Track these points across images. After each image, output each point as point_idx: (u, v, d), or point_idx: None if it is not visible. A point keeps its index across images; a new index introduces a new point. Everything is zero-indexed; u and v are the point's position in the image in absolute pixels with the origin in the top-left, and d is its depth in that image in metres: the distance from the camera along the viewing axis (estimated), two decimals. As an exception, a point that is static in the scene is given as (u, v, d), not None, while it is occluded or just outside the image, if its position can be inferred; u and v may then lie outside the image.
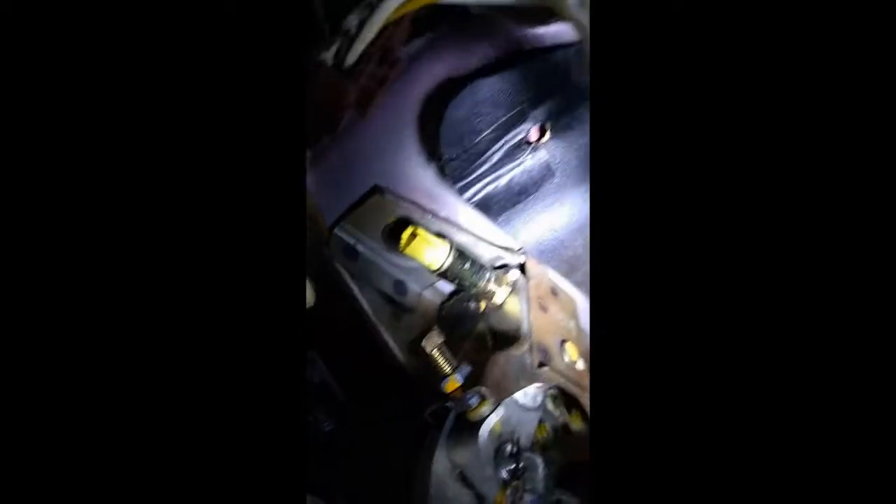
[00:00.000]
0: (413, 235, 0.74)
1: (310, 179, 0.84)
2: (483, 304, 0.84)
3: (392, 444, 0.70)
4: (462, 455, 0.64)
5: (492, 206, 0.72)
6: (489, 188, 0.70)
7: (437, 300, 0.96)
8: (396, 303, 0.89)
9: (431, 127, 0.68)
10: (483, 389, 0.63)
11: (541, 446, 0.81)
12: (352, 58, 0.57)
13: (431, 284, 0.93)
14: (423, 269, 0.90)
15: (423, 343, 0.67)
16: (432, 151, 0.73)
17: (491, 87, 0.62)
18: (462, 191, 0.70)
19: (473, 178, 0.69)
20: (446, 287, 0.96)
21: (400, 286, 0.91)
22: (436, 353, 0.67)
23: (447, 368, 0.66)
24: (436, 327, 0.70)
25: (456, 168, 0.68)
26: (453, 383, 0.65)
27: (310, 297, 0.92)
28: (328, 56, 0.57)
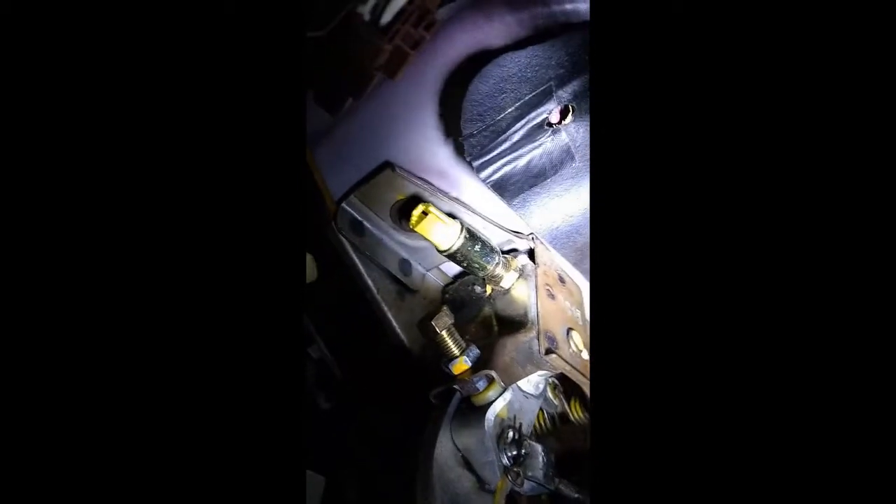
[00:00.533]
0: (424, 213, 0.73)
1: (318, 152, 0.82)
2: (489, 289, 0.83)
3: (393, 423, 0.69)
4: (465, 439, 0.63)
5: (508, 187, 0.70)
6: (507, 168, 0.68)
7: (442, 283, 0.94)
8: (400, 282, 0.87)
9: (453, 101, 0.65)
10: (492, 373, 0.62)
11: (539, 434, 0.80)
12: (389, 14, 0.53)
13: (437, 266, 0.91)
14: (429, 250, 0.89)
15: (433, 322, 0.65)
16: (451, 128, 0.71)
17: (519, 62, 0.60)
18: (479, 169, 0.67)
19: (492, 157, 0.67)
20: (451, 269, 0.95)
21: (405, 265, 0.89)
22: (445, 333, 0.65)
23: (456, 350, 0.64)
24: (445, 308, 0.69)
25: (475, 145, 0.66)
26: (461, 365, 0.63)
27: (312, 272, 0.90)
28: (365, 10, 0.53)
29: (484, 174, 0.68)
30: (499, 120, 0.64)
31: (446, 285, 0.93)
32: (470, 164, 0.67)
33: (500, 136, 0.66)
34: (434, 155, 0.77)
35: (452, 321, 0.67)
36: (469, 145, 0.66)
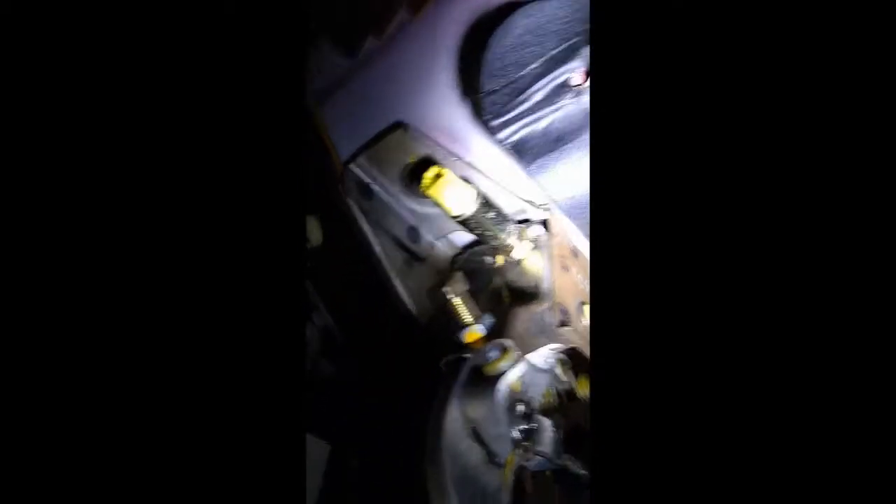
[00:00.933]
0: (437, 176, 0.69)
1: (326, 109, 0.78)
2: (500, 259, 0.80)
3: (398, 393, 0.66)
4: (476, 410, 0.60)
5: (526, 151, 0.67)
6: (526, 131, 0.65)
7: (450, 253, 0.91)
8: (408, 250, 0.84)
9: (473, 56, 0.62)
10: (507, 342, 0.59)
11: (546, 410, 0.78)
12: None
13: (446, 235, 0.88)
14: (438, 218, 0.86)
15: (447, 287, 0.62)
16: (468, 87, 0.67)
17: (546, 13, 0.56)
18: (497, 129, 0.64)
19: (511, 118, 0.64)
20: (460, 239, 0.91)
21: (413, 233, 0.86)
22: (459, 299, 0.62)
23: (469, 317, 0.61)
24: (460, 273, 0.66)
25: (495, 102, 0.62)
26: (474, 334, 0.61)
27: (316, 236, 0.87)
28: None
29: (502, 135, 0.65)
30: (521, 76, 0.60)
31: (455, 255, 0.90)
32: (487, 123, 0.64)
33: (520, 94, 0.62)
34: (449, 116, 0.73)
35: (467, 287, 0.64)
36: (489, 103, 0.62)
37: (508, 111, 0.63)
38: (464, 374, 0.62)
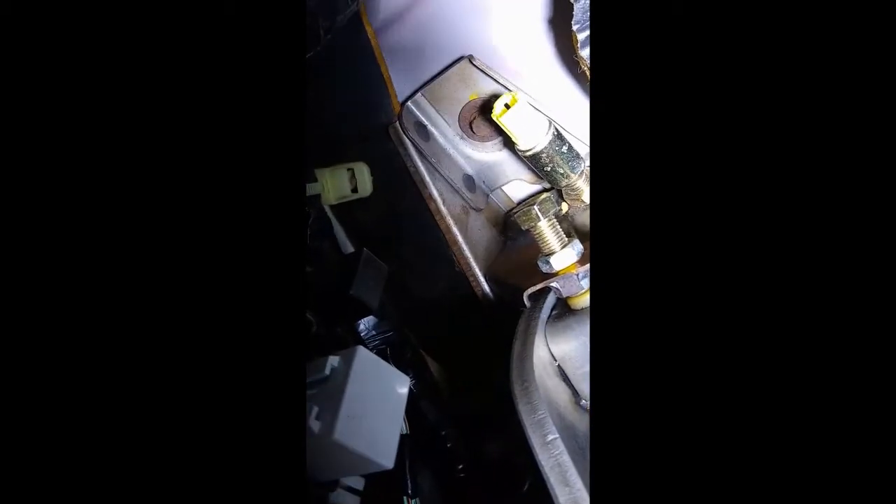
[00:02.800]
0: (507, 105, 0.64)
1: (385, 39, 0.73)
2: (565, 207, 0.74)
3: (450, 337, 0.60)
4: (563, 345, 0.54)
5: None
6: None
7: (505, 207, 0.86)
8: (463, 198, 0.79)
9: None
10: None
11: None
12: None
13: (501, 187, 0.83)
14: (496, 167, 0.80)
15: (535, 207, 0.56)
16: (534, 17, 0.62)
17: None
18: (583, 45, 0.59)
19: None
20: (516, 194, 0.86)
21: (469, 181, 0.80)
22: (546, 223, 0.56)
23: (557, 244, 0.55)
24: (550, 194, 0.59)
25: (584, 10, 0.58)
26: (564, 259, 0.54)
27: (366, 185, 0.81)
28: None
29: (585, 52, 0.60)
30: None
31: (510, 210, 0.85)
32: (576, 32, 0.58)
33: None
34: (518, 49, 0.69)
35: (558, 208, 0.58)
36: (579, 10, 0.57)
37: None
38: (547, 307, 0.56)
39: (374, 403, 0.53)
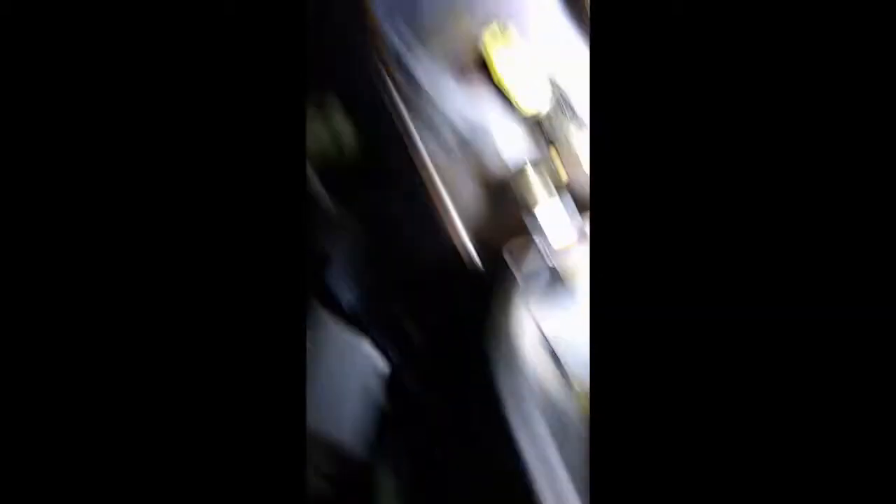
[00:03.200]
0: (508, 62, 0.59)
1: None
2: (564, 176, 0.70)
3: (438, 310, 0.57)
4: (555, 321, 0.50)
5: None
6: None
7: (497, 165, 0.81)
8: (456, 164, 0.74)
9: None
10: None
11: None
12: None
13: (497, 150, 0.78)
14: (491, 129, 0.76)
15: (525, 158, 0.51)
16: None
17: None
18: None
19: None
20: (514, 159, 0.81)
21: (464, 145, 0.76)
22: (531, 169, 0.49)
23: (545, 194, 0.49)
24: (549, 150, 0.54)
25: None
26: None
27: (352, 145, 0.76)
28: None
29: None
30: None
31: (502, 167, 0.80)
32: None
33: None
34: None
35: (542, 157, 0.53)
36: None
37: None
38: (536, 277, 0.52)
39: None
